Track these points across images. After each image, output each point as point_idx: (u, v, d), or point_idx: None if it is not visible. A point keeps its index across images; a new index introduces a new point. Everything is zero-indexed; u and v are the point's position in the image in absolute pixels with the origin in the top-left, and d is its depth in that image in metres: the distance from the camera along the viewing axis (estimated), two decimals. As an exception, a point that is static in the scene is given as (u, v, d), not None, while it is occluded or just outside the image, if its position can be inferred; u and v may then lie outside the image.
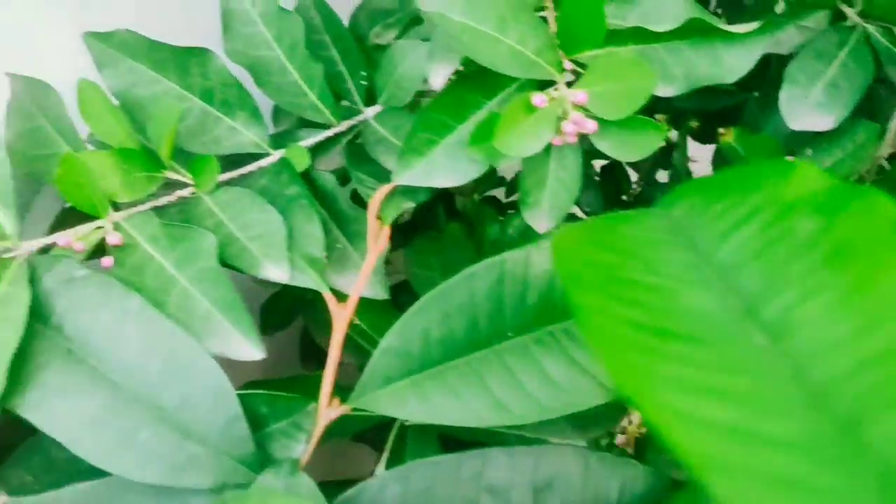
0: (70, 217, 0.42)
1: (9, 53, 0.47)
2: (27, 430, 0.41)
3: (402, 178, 0.39)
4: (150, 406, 0.35)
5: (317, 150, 0.46)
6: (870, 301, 0.16)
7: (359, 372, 0.45)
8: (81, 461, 0.34)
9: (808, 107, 0.43)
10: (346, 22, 0.50)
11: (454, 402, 0.36)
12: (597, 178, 0.68)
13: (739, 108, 0.56)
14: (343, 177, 0.47)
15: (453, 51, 0.40)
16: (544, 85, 0.38)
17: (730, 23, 0.39)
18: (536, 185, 0.39)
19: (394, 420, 0.47)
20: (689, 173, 0.62)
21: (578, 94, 0.36)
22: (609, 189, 0.65)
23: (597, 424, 0.48)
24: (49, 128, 0.43)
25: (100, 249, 0.40)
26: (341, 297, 0.41)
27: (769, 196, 0.22)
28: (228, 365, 0.36)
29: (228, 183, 0.43)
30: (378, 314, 0.48)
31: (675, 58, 0.38)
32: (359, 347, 0.49)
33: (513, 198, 0.76)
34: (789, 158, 0.48)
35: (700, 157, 0.67)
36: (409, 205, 0.41)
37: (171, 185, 0.42)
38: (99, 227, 0.39)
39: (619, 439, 0.60)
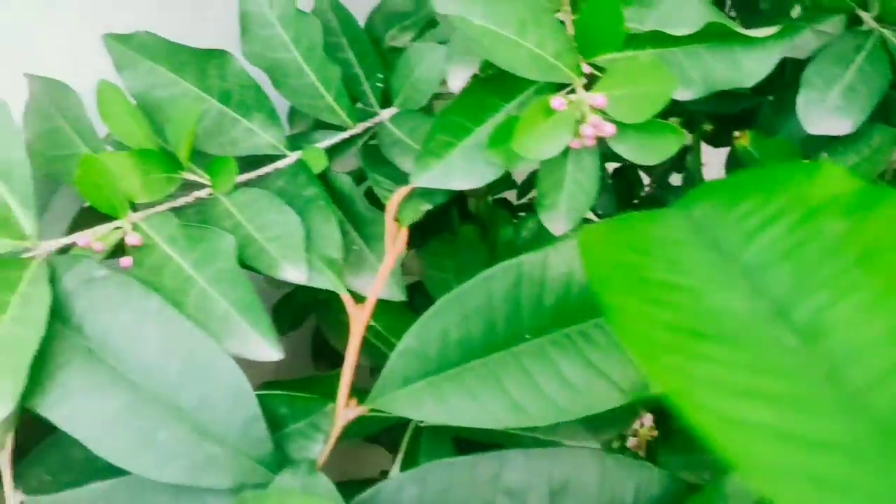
0: (88, 217, 0.42)
1: (28, 53, 0.48)
2: (46, 430, 0.42)
3: (420, 180, 0.39)
4: (169, 406, 0.35)
5: (332, 152, 0.46)
6: (903, 302, 0.16)
7: (371, 373, 0.45)
8: (99, 460, 0.35)
9: (825, 111, 0.43)
10: (361, 24, 0.50)
11: (471, 404, 0.36)
12: (609, 181, 0.68)
13: (753, 112, 0.56)
14: (358, 178, 0.47)
15: (472, 54, 0.40)
16: (562, 88, 0.38)
17: (745, 27, 0.39)
18: (553, 187, 0.39)
19: (408, 421, 0.47)
20: (701, 177, 0.62)
21: (597, 98, 0.36)
22: (621, 192, 0.66)
23: (609, 427, 0.48)
24: (67, 128, 0.43)
25: (117, 250, 0.40)
26: (357, 298, 0.41)
27: (794, 197, 0.22)
28: (240, 365, 0.37)
29: (245, 184, 0.43)
30: (393, 315, 0.48)
31: (693, 62, 0.38)
32: (373, 348, 0.49)
33: (524, 200, 0.76)
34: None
35: (710, 161, 0.67)
36: (427, 207, 0.42)
37: (188, 186, 0.42)
38: (117, 228, 0.40)
39: (631, 442, 0.60)
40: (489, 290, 0.36)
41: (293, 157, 0.45)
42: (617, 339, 0.36)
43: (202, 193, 0.43)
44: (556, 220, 0.40)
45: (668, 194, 0.64)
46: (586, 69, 0.38)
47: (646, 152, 0.38)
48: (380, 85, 0.48)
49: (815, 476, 0.13)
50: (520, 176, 0.73)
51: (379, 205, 0.44)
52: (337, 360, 0.65)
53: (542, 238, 0.53)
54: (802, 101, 0.43)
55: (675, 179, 0.70)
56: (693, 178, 0.62)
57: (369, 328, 0.50)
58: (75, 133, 0.43)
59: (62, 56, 0.49)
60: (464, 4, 0.36)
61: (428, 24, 0.51)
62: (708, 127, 0.61)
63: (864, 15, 0.46)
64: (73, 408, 0.34)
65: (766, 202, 0.23)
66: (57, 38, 0.50)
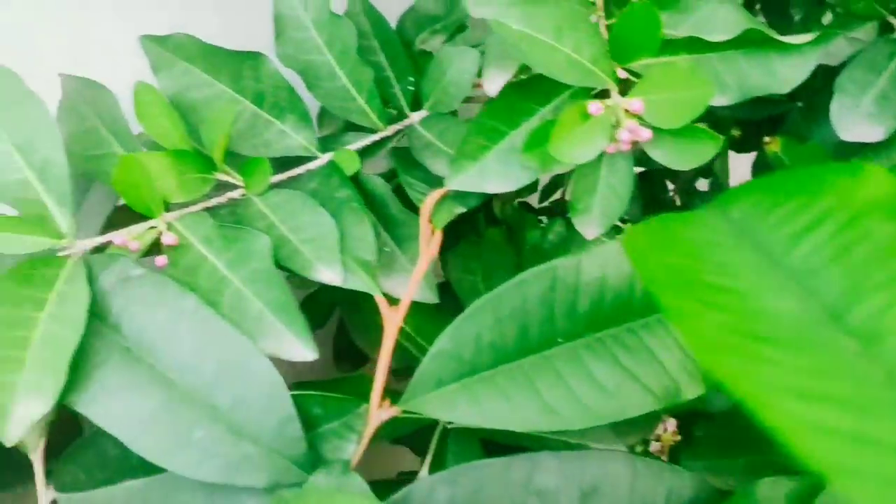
0: (121, 216, 0.43)
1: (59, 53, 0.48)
2: (75, 429, 0.42)
3: (455, 182, 0.40)
4: (204, 405, 0.35)
5: (363, 154, 0.46)
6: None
7: (395, 374, 0.45)
8: (134, 459, 0.35)
9: (858, 117, 0.43)
10: (392, 27, 0.51)
11: (505, 407, 0.36)
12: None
13: (780, 118, 0.56)
14: (387, 180, 0.47)
15: (509, 58, 0.40)
16: (597, 93, 0.39)
17: (777, 33, 0.39)
18: (587, 191, 0.40)
19: (434, 423, 0.47)
20: (728, 182, 0.62)
21: (634, 103, 0.37)
22: (645, 197, 0.65)
23: (634, 431, 0.48)
24: (102, 128, 0.43)
25: (150, 249, 0.40)
26: (388, 299, 0.41)
27: (839, 199, 0.22)
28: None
29: (277, 185, 0.44)
30: (422, 317, 0.48)
31: (728, 68, 0.38)
32: (401, 350, 0.49)
33: (545, 203, 0.76)
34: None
35: (733, 165, 0.67)
36: (461, 209, 0.42)
37: (221, 187, 0.43)
38: (152, 228, 0.40)
39: (654, 446, 0.60)
40: (523, 294, 0.37)
41: (325, 158, 0.45)
42: (648, 345, 0.37)
43: (235, 194, 0.43)
44: (588, 225, 0.40)
45: (694, 199, 0.64)
46: (621, 74, 0.39)
47: (682, 157, 0.38)
48: (410, 88, 0.48)
49: (889, 478, 0.13)
50: (542, 179, 0.73)
51: (409, 206, 0.45)
52: (359, 360, 0.66)
53: (569, 242, 0.54)
54: (836, 107, 0.43)
55: (701, 185, 0.70)
56: (720, 183, 0.62)
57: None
58: (110, 133, 0.43)
59: (94, 57, 0.50)
60: (501, 9, 0.36)
61: (458, 28, 0.51)
62: (735, 132, 0.61)
63: (896, 22, 0.46)
64: (110, 405, 0.35)
65: (808, 204, 0.23)
66: (85, 38, 0.51)
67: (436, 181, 0.43)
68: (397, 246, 0.43)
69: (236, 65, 0.43)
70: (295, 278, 0.40)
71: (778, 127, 0.56)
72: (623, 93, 0.38)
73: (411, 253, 0.43)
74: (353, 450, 0.38)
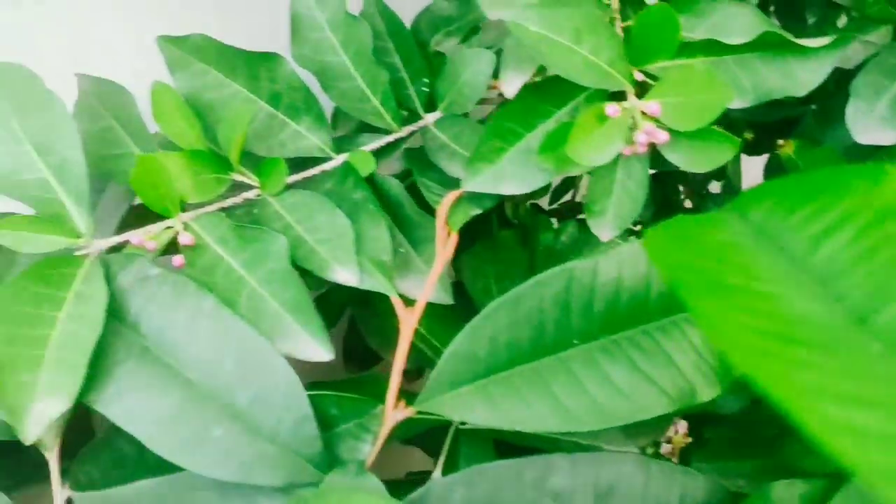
0: (136, 216, 0.43)
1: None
2: (88, 429, 0.42)
3: (472, 184, 0.40)
4: (223, 404, 0.35)
5: (377, 155, 0.46)
6: None
7: (405, 375, 0.45)
8: (150, 458, 0.35)
9: (874, 120, 0.43)
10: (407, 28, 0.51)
11: (520, 407, 0.36)
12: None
13: (792, 121, 0.56)
14: (399, 180, 0.47)
15: (527, 60, 0.40)
16: (613, 95, 0.39)
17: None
18: (603, 193, 0.40)
19: (447, 424, 0.47)
20: (740, 185, 0.62)
21: (651, 105, 0.37)
22: (656, 199, 0.66)
23: (646, 433, 0.48)
24: (118, 128, 0.43)
25: (166, 249, 0.41)
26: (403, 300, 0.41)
27: (861, 201, 0.22)
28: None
29: (292, 186, 0.44)
30: (434, 318, 0.48)
31: (745, 70, 0.38)
32: (414, 350, 0.49)
33: (554, 206, 0.76)
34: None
35: (744, 168, 0.67)
36: (476, 211, 0.42)
37: (236, 187, 0.43)
38: (169, 227, 0.40)
39: (664, 448, 0.60)
40: (540, 295, 0.37)
41: (339, 159, 0.45)
42: (664, 346, 0.37)
43: (250, 195, 0.43)
44: (603, 227, 0.40)
45: (706, 202, 0.64)
46: (637, 76, 0.39)
47: (698, 160, 0.38)
48: (425, 89, 0.48)
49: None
50: (553, 181, 0.73)
51: (423, 207, 0.45)
52: (369, 360, 0.66)
53: (582, 243, 0.54)
54: (852, 110, 0.43)
55: (713, 187, 0.70)
56: (733, 185, 0.62)
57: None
58: (126, 133, 0.43)
59: (101, 58, 0.50)
60: (519, 11, 0.36)
61: (472, 30, 0.51)
62: (748, 135, 0.61)
63: (910, 26, 0.46)
64: (129, 404, 0.35)
65: (829, 207, 0.23)
66: (91, 39, 0.51)
67: (451, 182, 0.43)
68: (412, 247, 0.43)
69: (253, 65, 0.44)
70: (306, 280, 0.40)
71: (789, 130, 0.56)
72: (639, 95, 0.38)
73: (426, 254, 0.43)
74: (368, 450, 0.38)
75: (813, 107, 0.54)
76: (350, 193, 0.42)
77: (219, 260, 0.39)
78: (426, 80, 0.48)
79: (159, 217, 0.40)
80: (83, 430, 0.44)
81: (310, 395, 0.36)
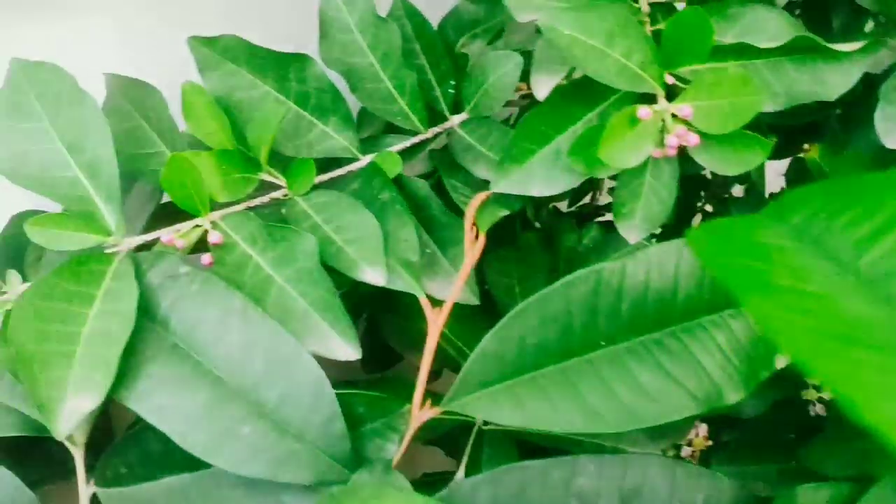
0: (164, 215, 0.43)
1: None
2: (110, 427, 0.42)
3: (501, 186, 0.40)
4: (251, 402, 0.35)
5: (403, 156, 0.47)
6: None
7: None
8: (177, 455, 0.35)
9: (902, 126, 0.43)
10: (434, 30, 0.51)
11: (548, 409, 0.36)
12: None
13: (816, 125, 0.55)
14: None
15: (558, 63, 0.40)
16: (644, 98, 0.39)
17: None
18: (631, 196, 0.40)
19: (469, 424, 0.47)
20: (763, 189, 0.62)
21: (683, 108, 0.37)
22: (678, 203, 0.65)
23: (668, 435, 0.48)
24: (147, 127, 0.44)
25: (195, 248, 0.41)
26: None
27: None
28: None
29: (318, 186, 0.44)
30: (458, 318, 0.48)
31: (776, 74, 0.38)
32: (438, 350, 0.50)
33: (573, 208, 0.76)
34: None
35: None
36: (504, 212, 0.42)
37: (264, 187, 0.43)
38: (198, 226, 0.40)
39: (685, 451, 0.60)
40: (567, 297, 0.37)
41: (366, 160, 0.45)
42: (691, 349, 0.37)
43: (277, 194, 0.43)
44: (631, 229, 0.40)
45: (728, 206, 0.64)
46: (668, 80, 0.39)
47: (730, 163, 0.38)
48: (451, 91, 0.48)
49: None
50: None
51: (449, 208, 0.45)
52: (387, 360, 0.66)
53: (604, 246, 0.54)
54: (881, 115, 0.43)
55: (735, 191, 0.70)
56: (756, 189, 0.62)
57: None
58: (155, 132, 0.44)
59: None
60: (551, 14, 0.37)
61: (499, 33, 0.51)
62: (773, 139, 0.60)
63: (938, 31, 0.46)
64: (159, 401, 0.35)
65: (875, 210, 0.23)
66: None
67: (477, 184, 0.43)
68: (439, 248, 0.43)
69: (282, 67, 0.44)
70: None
71: (812, 134, 0.56)
72: (669, 98, 0.38)
73: (452, 255, 0.43)
74: (395, 450, 0.38)
75: (837, 111, 0.54)
76: (377, 194, 0.42)
77: (247, 258, 0.39)
78: (452, 82, 0.48)
79: (186, 216, 0.40)
80: (104, 427, 0.45)
81: (337, 394, 0.36)
